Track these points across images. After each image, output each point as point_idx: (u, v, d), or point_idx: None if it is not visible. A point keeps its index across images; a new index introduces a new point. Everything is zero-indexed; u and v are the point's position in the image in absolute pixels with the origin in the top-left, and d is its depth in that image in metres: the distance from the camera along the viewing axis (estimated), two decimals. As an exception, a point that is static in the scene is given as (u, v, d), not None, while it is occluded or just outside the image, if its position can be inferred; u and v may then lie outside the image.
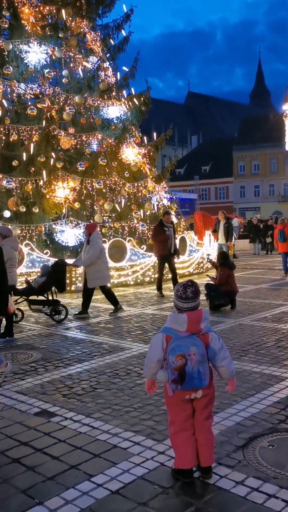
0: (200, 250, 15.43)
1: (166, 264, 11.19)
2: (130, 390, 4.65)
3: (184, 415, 2.92)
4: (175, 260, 11.38)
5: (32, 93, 13.99)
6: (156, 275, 11.48)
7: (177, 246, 11.54)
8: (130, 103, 15.92)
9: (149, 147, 16.06)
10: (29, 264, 11.50)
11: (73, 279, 11.76)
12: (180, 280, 13.41)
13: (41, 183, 12.94)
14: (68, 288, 11.66)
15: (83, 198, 13.61)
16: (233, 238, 19.70)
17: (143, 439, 3.54)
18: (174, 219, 15.95)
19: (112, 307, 8.84)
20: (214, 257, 15.64)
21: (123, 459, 3.22)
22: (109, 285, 8.95)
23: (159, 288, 10.94)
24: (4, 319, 7.19)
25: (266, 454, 3.22)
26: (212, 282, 9.38)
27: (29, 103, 13.84)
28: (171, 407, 3.00)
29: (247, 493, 2.76)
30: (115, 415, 4.03)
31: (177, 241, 12.04)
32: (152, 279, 13.09)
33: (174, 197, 17.99)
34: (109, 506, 2.70)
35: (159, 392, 4.54)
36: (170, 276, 11.64)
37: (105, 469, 3.10)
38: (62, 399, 4.44)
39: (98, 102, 14.81)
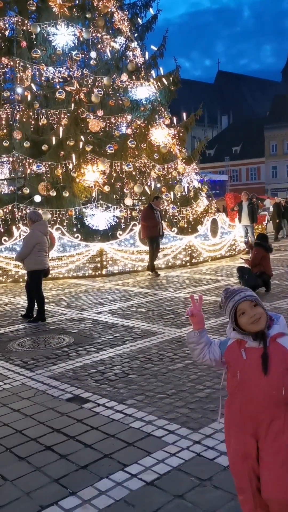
0: (232, 232, 15.12)
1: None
2: (163, 376, 4.55)
3: None
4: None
5: (60, 76, 13.86)
6: (148, 257, 11.69)
7: (164, 230, 12.06)
8: (159, 83, 15.58)
9: (178, 128, 15.74)
10: (60, 249, 11.51)
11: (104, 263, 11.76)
12: (212, 263, 13.18)
13: (70, 167, 12.86)
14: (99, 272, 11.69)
15: (112, 181, 13.47)
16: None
17: (178, 427, 3.43)
18: (205, 201, 15.69)
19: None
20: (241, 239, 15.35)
21: (158, 449, 3.12)
22: None
23: (154, 269, 11.38)
24: (36, 304, 7.21)
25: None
26: (245, 265, 9.15)
27: (58, 87, 13.73)
28: None
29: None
30: (148, 402, 3.94)
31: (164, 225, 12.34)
32: (184, 262, 12.94)
33: (204, 178, 17.64)
34: (144, 498, 2.61)
35: (192, 378, 4.43)
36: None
37: (139, 458, 3.01)
38: (95, 385, 4.38)
39: (127, 83, 14.55)
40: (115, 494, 2.65)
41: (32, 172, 12.78)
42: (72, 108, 13.11)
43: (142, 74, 15.21)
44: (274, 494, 2.02)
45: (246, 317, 2.06)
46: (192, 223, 14.50)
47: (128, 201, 13.53)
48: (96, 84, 13.86)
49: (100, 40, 14.54)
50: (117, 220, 13.11)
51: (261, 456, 2.06)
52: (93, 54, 14.26)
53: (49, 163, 12.68)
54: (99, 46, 14.56)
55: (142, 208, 13.83)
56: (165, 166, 14.57)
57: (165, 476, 2.81)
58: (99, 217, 12.82)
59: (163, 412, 3.71)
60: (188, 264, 12.99)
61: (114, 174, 13.39)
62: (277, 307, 7.32)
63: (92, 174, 13.09)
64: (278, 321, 2.12)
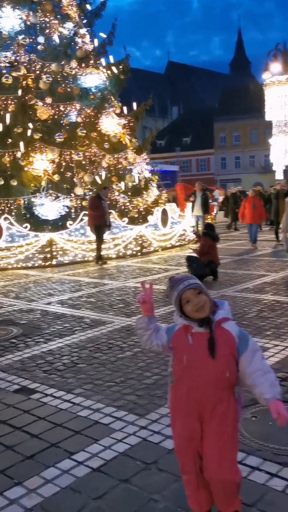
0: (182, 222, 15.31)
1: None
2: (112, 364, 4.58)
3: None
4: (106, 232, 12.08)
5: (6, 61, 13.43)
6: (96, 246, 11.73)
7: (110, 220, 12.17)
8: (108, 71, 15.45)
9: (129, 117, 15.68)
10: (9, 239, 11.26)
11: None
12: (162, 253, 13.31)
13: (18, 155, 12.56)
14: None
15: (62, 170, 13.28)
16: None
17: (125, 414, 3.48)
18: (155, 191, 15.78)
19: None
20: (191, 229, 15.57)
21: (105, 435, 3.16)
22: None
23: (101, 257, 11.59)
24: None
25: (249, 426, 3.19)
26: (194, 254, 9.31)
27: (4, 72, 13.31)
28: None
29: (231, 466, 2.72)
30: (96, 390, 3.96)
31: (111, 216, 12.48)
32: (134, 252, 13.00)
33: (155, 169, 17.71)
34: (90, 484, 2.64)
35: (141, 366, 4.49)
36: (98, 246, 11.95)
37: (86, 446, 3.04)
38: (43, 375, 4.35)
39: (76, 70, 14.32)
40: (61, 482, 2.66)
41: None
42: (19, 94, 12.77)
43: (92, 62, 15.00)
44: (216, 474, 2.10)
45: (191, 305, 2.10)
46: (143, 213, 14.55)
47: (78, 191, 13.38)
48: (44, 70, 13.56)
49: (48, 25, 14.21)
50: (67, 210, 12.95)
51: (205, 438, 2.13)
52: (40, 39, 13.94)
53: (-4, 150, 12.33)
54: (47, 31, 14.23)
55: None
56: (116, 156, 14.50)
57: (111, 461, 2.85)
58: (48, 207, 12.62)
59: (111, 400, 3.74)
60: (138, 254, 13.06)
61: (64, 163, 13.20)
62: (223, 294, 7.52)
63: (41, 163, 12.85)
64: (223, 306, 2.19)
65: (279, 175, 24.37)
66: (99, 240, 11.62)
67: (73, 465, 2.82)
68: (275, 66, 21.79)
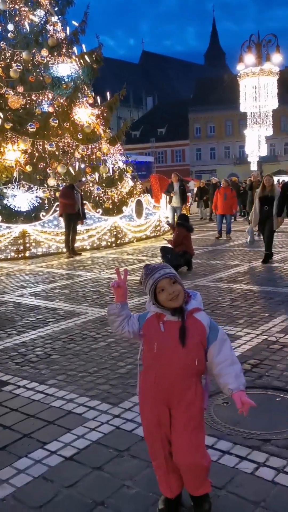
0: (156, 213, 15.33)
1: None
2: (85, 355, 4.59)
3: None
4: (79, 225, 11.96)
5: (-25, 48, 13.12)
6: (64, 236, 11.65)
7: (84, 212, 12.08)
8: (81, 60, 15.23)
9: (102, 107, 15.54)
10: (-20, 231, 11.08)
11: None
12: (137, 244, 13.32)
13: (-11, 145, 12.31)
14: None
15: (35, 161, 13.10)
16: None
17: (98, 403, 3.49)
18: (130, 182, 15.74)
19: None
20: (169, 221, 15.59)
21: (78, 425, 3.16)
22: None
23: (70, 248, 11.46)
24: None
25: (220, 412, 3.24)
26: (168, 245, 9.35)
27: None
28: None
29: (202, 451, 2.77)
30: (70, 381, 3.96)
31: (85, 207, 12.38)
32: (109, 243, 12.98)
33: (130, 159, 17.63)
34: (63, 473, 2.65)
35: (114, 356, 4.50)
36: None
37: (59, 436, 3.04)
38: (15, 367, 4.32)
39: (48, 58, 14.09)
40: (33, 471, 2.66)
41: None
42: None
43: (64, 51, 14.78)
44: (184, 459, 2.15)
45: (165, 294, 2.12)
46: (117, 204, 14.51)
47: (51, 182, 13.23)
48: (15, 58, 13.29)
49: (18, 12, 13.91)
50: (40, 201, 12.80)
51: (173, 423, 2.17)
52: (10, 27, 13.64)
53: None
54: (16, 18, 13.93)
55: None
56: (89, 146, 14.38)
57: (84, 450, 2.86)
58: (21, 198, 12.45)
59: (84, 390, 3.75)
60: (113, 245, 13.04)
61: (36, 154, 13.02)
62: (197, 284, 7.59)
63: (13, 153, 12.65)
64: (195, 297, 2.23)
65: (254, 166, 24.55)
66: (68, 230, 11.47)
67: (45, 454, 2.83)
68: (249, 58, 21.86)
